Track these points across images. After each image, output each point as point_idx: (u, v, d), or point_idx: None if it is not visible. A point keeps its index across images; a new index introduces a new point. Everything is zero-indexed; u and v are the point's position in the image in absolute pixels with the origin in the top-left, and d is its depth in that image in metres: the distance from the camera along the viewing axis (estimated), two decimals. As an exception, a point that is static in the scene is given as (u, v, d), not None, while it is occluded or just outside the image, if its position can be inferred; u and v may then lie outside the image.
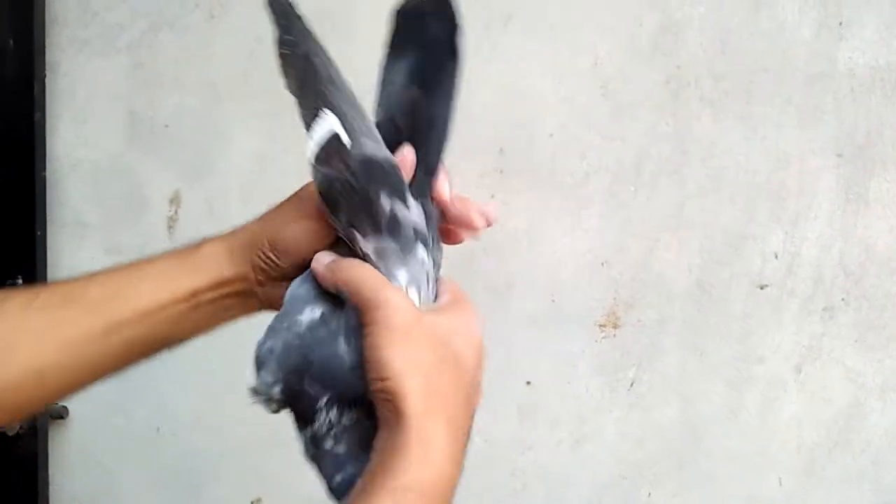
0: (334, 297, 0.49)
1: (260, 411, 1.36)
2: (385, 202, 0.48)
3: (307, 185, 0.56)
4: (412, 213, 0.50)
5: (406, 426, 0.45)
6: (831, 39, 1.13)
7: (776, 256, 1.17)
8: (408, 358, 0.47)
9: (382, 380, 0.47)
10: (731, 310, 1.17)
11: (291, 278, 0.54)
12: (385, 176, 0.49)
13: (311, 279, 0.51)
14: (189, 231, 1.18)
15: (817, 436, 1.20)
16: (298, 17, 0.54)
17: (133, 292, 0.56)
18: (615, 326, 1.19)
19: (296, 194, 0.57)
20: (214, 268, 0.58)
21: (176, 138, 1.18)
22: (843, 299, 1.17)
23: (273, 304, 0.56)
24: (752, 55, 1.13)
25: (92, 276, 0.57)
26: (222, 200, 1.16)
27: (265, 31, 1.24)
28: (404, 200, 0.50)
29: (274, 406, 0.49)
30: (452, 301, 0.52)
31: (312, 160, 0.49)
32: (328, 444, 0.47)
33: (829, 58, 1.12)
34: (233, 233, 0.59)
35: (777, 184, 1.14)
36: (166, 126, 1.19)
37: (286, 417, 1.32)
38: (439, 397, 0.47)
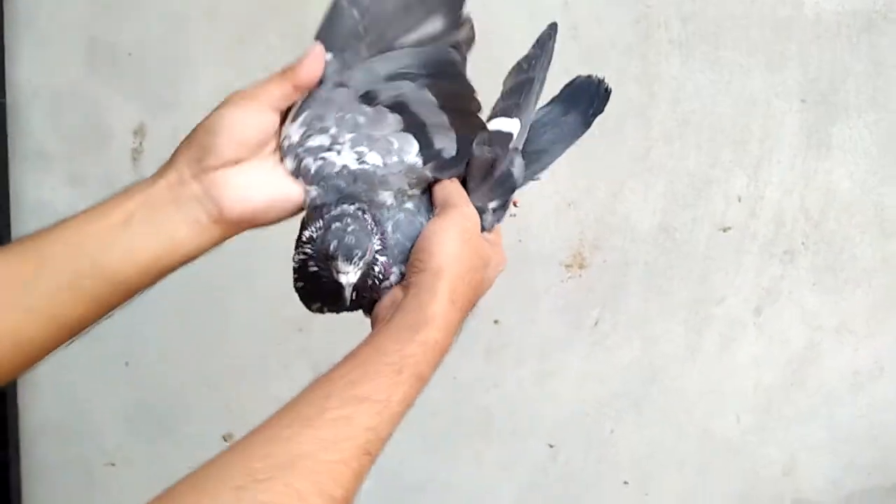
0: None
1: (231, 345, 1.35)
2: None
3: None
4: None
5: (435, 300, 0.56)
6: (798, -15, 1.15)
7: (739, 200, 1.21)
8: (459, 253, 0.58)
9: (433, 254, 0.58)
10: (694, 252, 1.22)
11: (228, 164, 0.57)
12: None
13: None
14: (155, 163, 1.16)
15: (774, 376, 1.25)
16: (549, 52, 0.69)
17: (63, 233, 0.57)
18: (581, 267, 1.22)
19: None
20: (141, 187, 0.58)
21: (140, 67, 1.18)
22: (802, 243, 1.21)
23: (214, 198, 0.58)
24: None
25: (47, 231, 0.59)
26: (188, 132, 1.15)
27: (235, -42, 1.22)
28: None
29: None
30: (497, 241, 0.65)
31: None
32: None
33: (795, 3, 1.16)
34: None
35: (742, 128, 1.18)
36: (129, 54, 1.19)
37: (256, 351, 1.31)
38: (461, 290, 0.58)
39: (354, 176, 0.59)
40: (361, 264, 0.56)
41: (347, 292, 0.56)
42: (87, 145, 1.21)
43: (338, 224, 0.56)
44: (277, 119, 0.60)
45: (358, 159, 0.59)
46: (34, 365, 0.58)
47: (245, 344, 1.20)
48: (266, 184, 0.59)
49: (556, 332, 1.27)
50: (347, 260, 0.55)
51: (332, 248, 0.55)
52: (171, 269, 0.59)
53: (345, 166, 0.59)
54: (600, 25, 1.20)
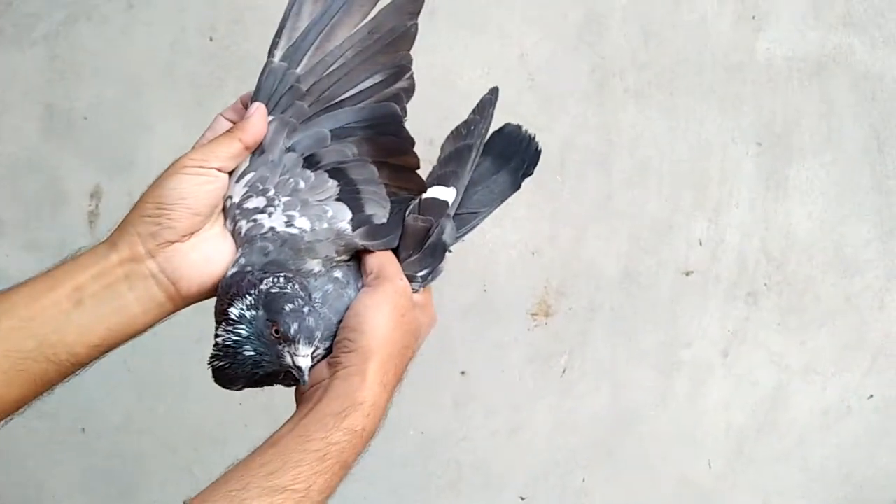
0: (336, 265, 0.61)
1: (191, 406, 1.33)
2: None
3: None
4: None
5: (365, 384, 0.55)
6: (749, 31, 1.18)
7: (700, 243, 1.21)
8: (391, 333, 0.57)
9: (361, 333, 0.56)
10: (659, 296, 1.22)
11: (185, 238, 0.56)
12: None
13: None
14: (111, 225, 1.15)
15: (744, 418, 1.25)
16: (488, 118, 0.67)
17: (11, 309, 0.54)
18: (546, 315, 1.22)
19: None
20: (93, 259, 0.56)
21: (95, 131, 1.17)
22: (765, 284, 1.22)
23: (170, 276, 0.56)
24: (674, 46, 1.18)
25: None
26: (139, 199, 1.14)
27: (188, 21, 1.24)
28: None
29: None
30: (427, 302, 0.63)
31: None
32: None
33: (747, 49, 1.18)
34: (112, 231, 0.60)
35: (700, 172, 1.19)
36: (85, 118, 1.18)
37: (216, 411, 1.28)
38: (392, 372, 0.57)
39: (282, 240, 0.58)
40: (319, 346, 0.55)
41: (307, 376, 0.54)
42: (42, 210, 1.19)
43: (291, 305, 0.54)
44: (226, 181, 0.58)
45: (287, 222, 0.58)
46: None
47: (204, 405, 1.18)
48: (221, 252, 0.58)
49: (525, 381, 1.26)
50: (308, 343, 0.54)
51: (292, 331, 0.54)
52: (120, 343, 0.57)
53: (272, 228, 0.58)
54: (557, 75, 1.22)
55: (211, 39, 1.20)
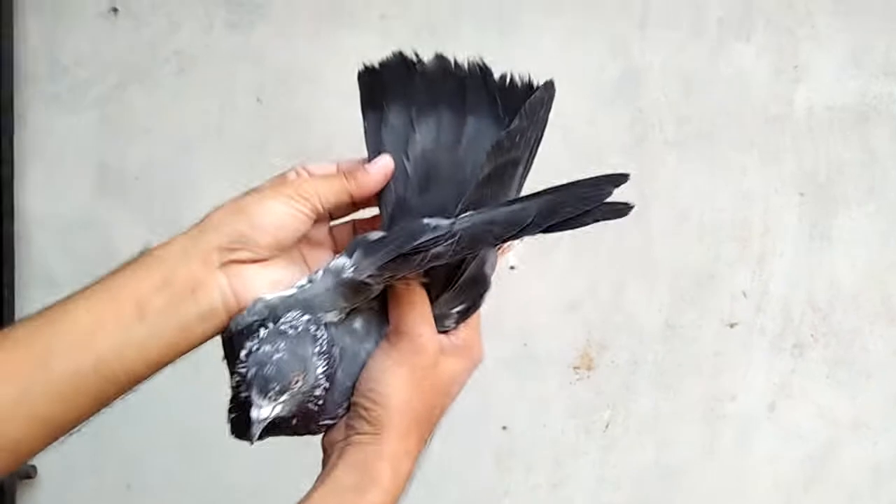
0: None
1: (237, 464, 1.32)
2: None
3: (280, 175, 0.57)
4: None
5: (382, 459, 0.51)
6: (788, 82, 1.17)
7: (744, 295, 1.18)
8: (409, 399, 0.52)
9: (375, 403, 0.52)
10: (702, 349, 1.19)
11: (259, 261, 0.53)
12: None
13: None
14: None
15: (793, 472, 1.20)
16: (539, 123, 0.57)
17: (71, 323, 0.51)
18: (589, 368, 1.19)
19: (271, 180, 0.56)
20: (158, 266, 0.53)
21: (146, 190, 1.19)
22: (811, 336, 1.18)
23: (236, 292, 0.53)
24: (713, 99, 1.16)
25: (32, 322, 0.53)
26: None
27: (236, 84, 1.26)
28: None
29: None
30: (467, 341, 0.57)
31: None
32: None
33: (787, 100, 1.16)
34: (184, 232, 0.56)
35: (742, 223, 1.17)
36: (136, 178, 1.20)
37: (265, 470, 1.27)
38: (416, 437, 0.53)
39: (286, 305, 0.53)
40: (282, 399, 0.48)
41: (256, 429, 0.49)
42: (93, 267, 1.20)
43: (268, 347, 0.49)
44: (313, 221, 0.55)
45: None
46: (17, 465, 0.53)
47: (252, 462, 1.17)
48: (288, 277, 0.55)
49: (567, 436, 1.23)
50: (262, 393, 0.48)
51: (248, 375, 0.48)
52: (176, 359, 0.55)
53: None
54: (595, 130, 1.21)
55: (258, 101, 1.22)
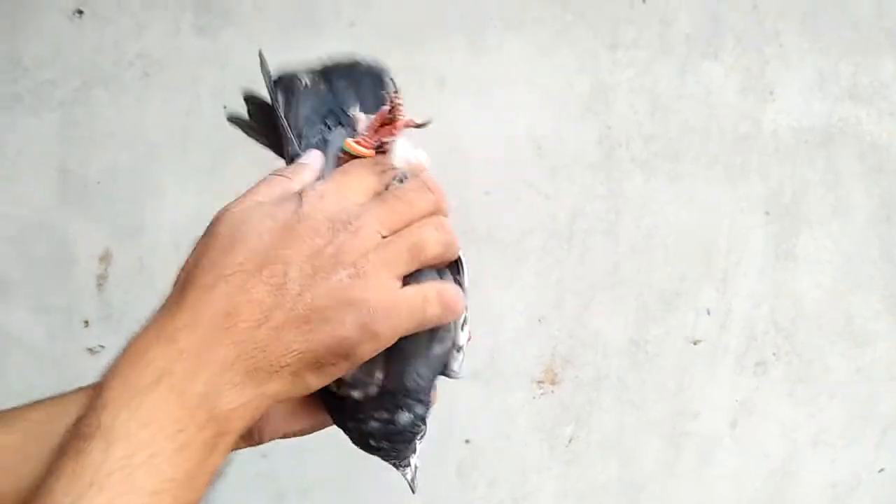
0: None
1: None
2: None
3: None
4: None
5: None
6: (755, 102, 1.14)
7: (709, 313, 1.15)
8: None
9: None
10: (667, 365, 1.16)
11: None
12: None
13: None
14: (119, 289, 1.12)
15: (753, 490, 1.18)
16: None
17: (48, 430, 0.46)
18: (553, 383, 1.16)
19: None
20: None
21: (108, 195, 1.15)
22: (774, 354, 1.16)
23: (258, 425, 0.49)
24: (681, 117, 1.14)
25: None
26: (155, 258, 1.12)
27: (202, 88, 1.21)
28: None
29: None
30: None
31: None
32: None
33: (754, 119, 1.14)
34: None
35: (708, 241, 1.14)
36: (98, 183, 1.14)
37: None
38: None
39: None
40: None
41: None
42: (50, 273, 1.16)
43: None
44: None
45: None
46: None
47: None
48: (309, 417, 0.51)
49: (530, 450, 1.20)
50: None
51: None
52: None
53: None
54: (564, 145, 1.18)
55: (224, 107, 1.17)
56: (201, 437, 0.36)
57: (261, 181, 0.44)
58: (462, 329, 0.50)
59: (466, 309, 0.48)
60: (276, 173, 0.46)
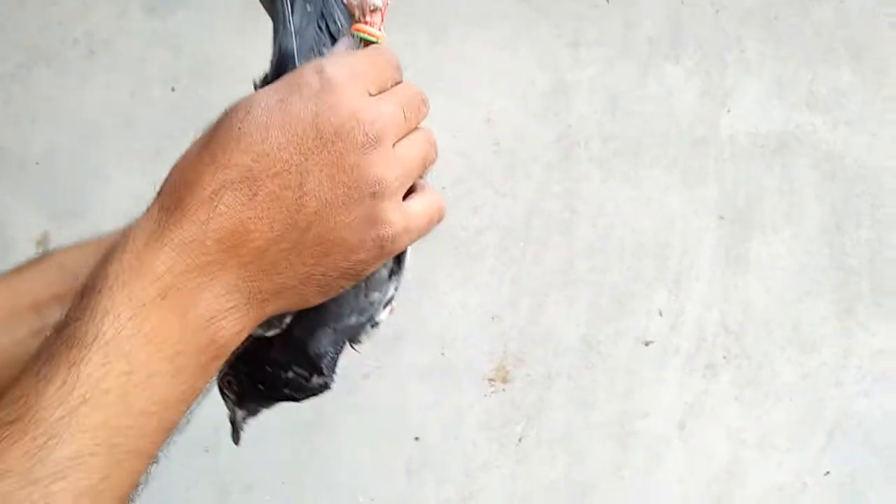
0: None
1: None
2: None
3: None
4: None
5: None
6: (714, 107, 1.13)
7: (660, 314, 1.13)
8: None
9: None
10: (617, 366, 1.14)
11: None
12: None
13: None
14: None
15: (699, 492, 1.17)
16: None
17: None
18: (504, 381, 1.12)
19: None
20: (72, 274, 0.45)
21: (47, 177, 1.08)
22: (724, 357, 1.14)
23: None
24: (640, 118, 1.11)
25: None
26: None
27: (150, 70, 1.14)
28: None
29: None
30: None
31: None
32: None
33: (712, 124, 1.12)
34: (107, 235, 0.47)
35: (662, 243, 1.12)
36: (37, 164, 1.07)
37: (156, 473, 1.14)
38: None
39: None
40: None
41: None
42: (-16, 257, 1.08)
43: None
44: None
45: None
46: None
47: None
48: None
49: (480, 448, 1.17)
50: None
51: None
52: None
53: None
54: (523, 142, 1.15)
55: (173, 90, 1.11)
56: (198, 360, 0.34)
57: (289, 75, 0.38)
58: (385, 307, 0.47)
59: (397, 289, 0.45)
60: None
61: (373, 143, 0.35)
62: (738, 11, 1.13)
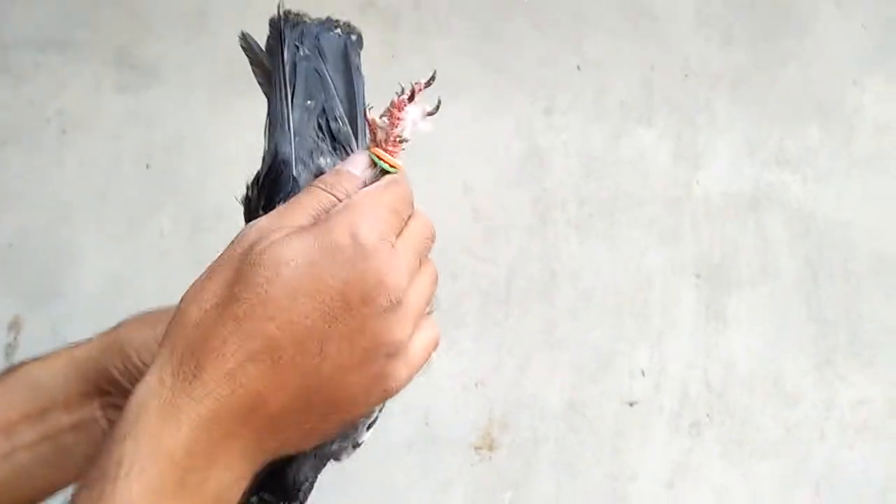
0: None
1: None
2: None
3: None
4: None
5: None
6: (687, 167, 1.13)
7: (643, 373, 1.12)
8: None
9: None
10: (604, 427, 1.12)
11: None
12: None
13: None
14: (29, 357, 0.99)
15: (691, 552, 1.13)
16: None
17: None
18: (491, 448, 1.10)
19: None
20: (43, 391, 0.44)
21: (20, 259, 1.06)
22: (707, 415, 1.13)
23: None
24: (615, 181, 1.12)
25: None
26: (69, 326, 1.02)
27: (123, 148, 1.12)
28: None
29: None
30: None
31: None
32: None
33: (685, 184, 1.13)
34: (77, 345, 0.47)
35: (641, 303, 1.12)
36: (10, 245, 1.03)
37: None
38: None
39: None
40: None
41: None
42: (-46, 344, 1.04)
43: None
44: None
45: None
46: None
47: None
48: None
49: (468, 519, 1.13)
50: None
51: None
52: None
53: None
54: (501, 207, 1.14)
55: (147, 167, 1.09)
56: None
57: (301, 195, 0.38)
58: (368, 429, 0.45)
59: (381, 410, 0.44)
60: (317, 185, 0.39)
61: (394, 306, 0.35)
62: (707, 75, 1.14)
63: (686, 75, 1.14)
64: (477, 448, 1.15)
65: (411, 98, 0.45)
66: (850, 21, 1.14)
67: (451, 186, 1.13)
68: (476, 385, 1.14)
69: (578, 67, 1.14)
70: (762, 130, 1.15)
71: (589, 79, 1.14)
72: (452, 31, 1.15)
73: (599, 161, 1.15)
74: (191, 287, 0.35)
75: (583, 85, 1.14)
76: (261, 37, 0.51)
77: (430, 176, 1.13)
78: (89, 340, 0.46)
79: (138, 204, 1.09)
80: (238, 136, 1.04)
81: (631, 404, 1.16)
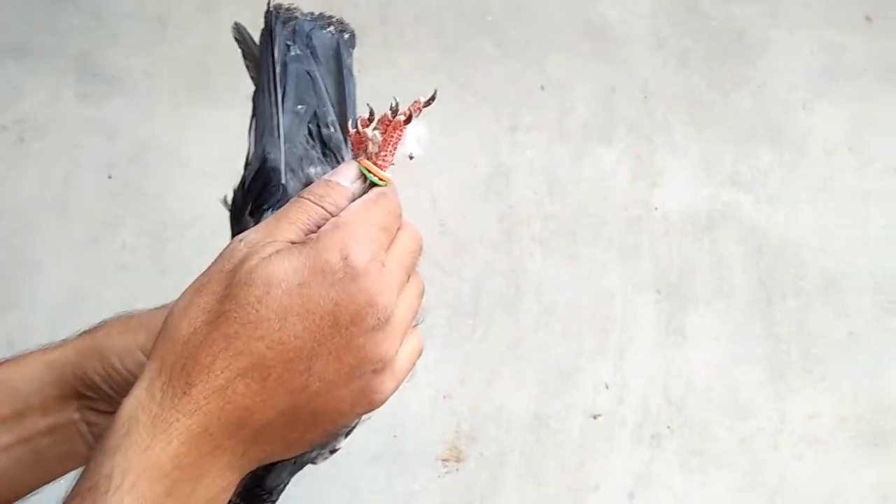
0: None
1: None
2: None
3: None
4: None
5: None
6: (645, 187, 1.16)
7: (607, 387, 1.13)
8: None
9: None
10: (568, 440, 1.13)
11: None
12: None
13: None
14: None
15: (651, 564, 1.13)
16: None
17: None
18: (458, 460, 1.09)
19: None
20: (18, 395, 0.43)
21: None
22: (668, 427, 1.15)
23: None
24: (577, 199, 1.14)
25: None
26: (26, 337, 0.98)
27: (84, 157, 1.08)
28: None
29: None
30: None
31: None
32: None
33: (644, 203, 1.15)
34: (50, 347, 0.46)
35: (603, 318, 1.13)
36: (-36, 258, 0.98)
37: None
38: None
39: None
40: None
41: None
42: None
43: None
44: None
45: None
46: None
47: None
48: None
49: (434, 534, 1.11)
50: None
51: None
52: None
53: None
54: (467, 222, 1.15)
55: (109, 177, 1.05)
56: None
57: (289, 207, 0.38)
58: (346, 437, 0.46)
59: (360, 419, 0.44)
60: (306, 197, 0.39)
61: (382, 324, 0.35)
62: (665, 97, 1.17)
63: (645, 97, 1.16)
64: (444, 460, 1.13)
65: (408, 120, 0.45)
66: (799, 46, 1.18)
67: (418, 201, 1.13)
68: (443, 398, 1.13)
69: (542, 87, 1.15)
70: (718, 151, 1.18)
71: (552, 98, 1.16)
72: (419, 47, 1.16)
73: (562, 179, 1.16)
74: (179, 300, 0.34)
75: (546, 104, 1.16)
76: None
77: (398, 188, 1.12)
78: (63, 343, 0.44)
79: (99, 214, 1.05)
80: (202, 145, 1.02)
81: (595, 417, 1.17)
